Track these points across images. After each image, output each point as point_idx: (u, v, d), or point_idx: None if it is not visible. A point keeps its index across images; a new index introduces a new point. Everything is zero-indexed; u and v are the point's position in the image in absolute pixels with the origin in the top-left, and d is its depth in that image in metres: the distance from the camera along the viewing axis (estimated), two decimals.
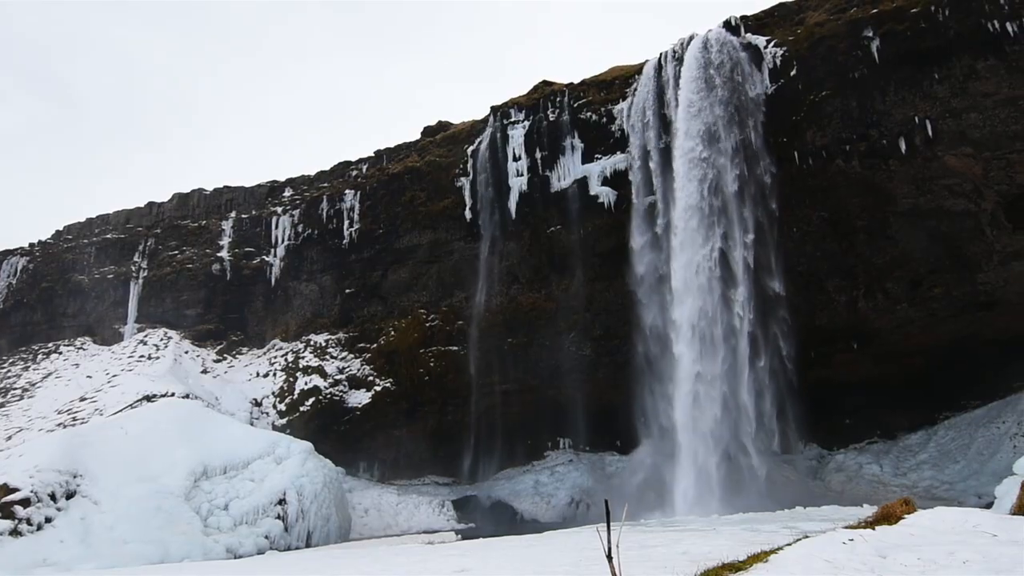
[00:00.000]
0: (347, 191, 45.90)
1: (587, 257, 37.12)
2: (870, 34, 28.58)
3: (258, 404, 39.83)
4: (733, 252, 31.06)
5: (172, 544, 22.36)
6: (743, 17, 34.21)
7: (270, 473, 27.13)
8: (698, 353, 30.41)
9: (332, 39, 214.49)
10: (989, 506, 14.88)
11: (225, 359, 45.43)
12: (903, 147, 28.03)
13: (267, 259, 47.95)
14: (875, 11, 29.02)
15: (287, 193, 50.53)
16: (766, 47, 32.01)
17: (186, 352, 44.80)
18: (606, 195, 35.93)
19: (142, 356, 43.76)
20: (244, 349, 46.76)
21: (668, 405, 31.47)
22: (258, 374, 42.85)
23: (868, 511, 16.12)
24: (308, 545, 26.18)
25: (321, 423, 38.76)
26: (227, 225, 50.11)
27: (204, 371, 43.32)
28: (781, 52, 31.37)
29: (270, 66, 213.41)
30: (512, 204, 38.74)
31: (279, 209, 49.10)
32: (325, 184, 48.89)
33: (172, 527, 22.97)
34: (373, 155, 48.46)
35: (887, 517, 9.36)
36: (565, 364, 38.74)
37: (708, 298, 30.80)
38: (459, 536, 27.96)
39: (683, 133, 32.45)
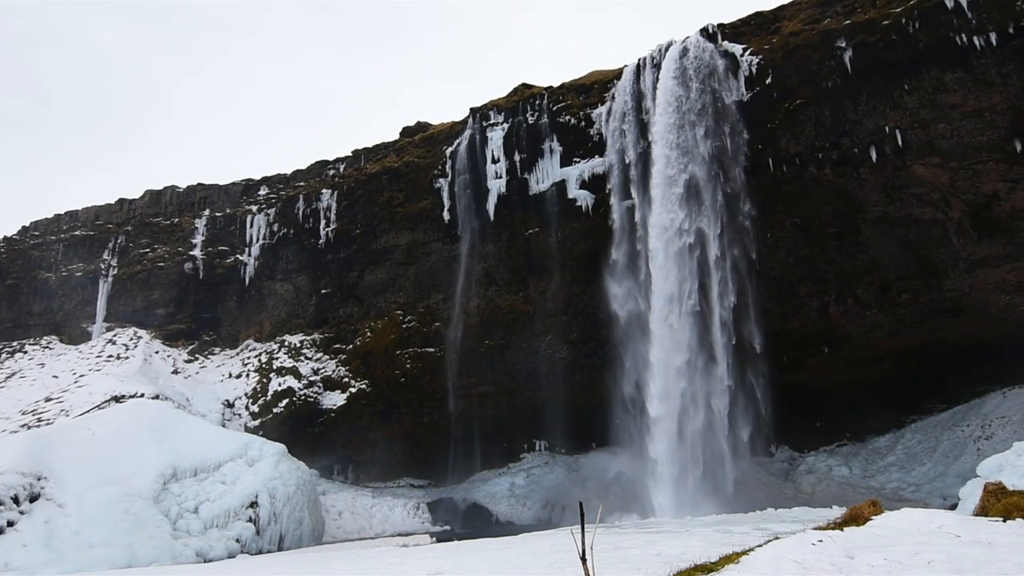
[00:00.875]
0: (324, 190, 45.51)
1: (565, 260, 37.28)
2: (843, 45, 29.15)
3: (230, 405, 39.24)
4: (709, 255, 31.44)
5: (140, 548, 21.91)
6: (720, 25, 34.67)
7: (242, 475, 26.74)
8: (673, 356, 30.73)
9: (310, 38, 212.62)
10: (954, 507, 15.25)
11: (197, 359, 44.70)
12: (874, 156, 28.63)
13: (241, 258, 47.32)
14: (848, 22, 29.62)
15: (263, 191, 49.93)
16: (742, 55, 32.48)
17: (156, 352, 43.99)
18: (584, 199, 36.13)
19: (111, 356, 42.85)
20: (216, 349, 46.07)
21: (643, 408, 31.73)
22: (231, 375, 42.23)
23: (837, 512, 16.42)
24: (280, 548, 25.86)
25: (295, 425, 38.33)
26: (200, 223, 49.34)
27: (175, 371, 42.56)
28: (757, 60, 31.85)
29: (247, 65, 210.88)
30: (490, 206, 38.76)
31: (254, 208, 48.48)
32: (302, 183, 48.41)
33: (140, 530, 22.51)
34: (351, 154, 48.12)
35: (855, 518, 9.55)
36: (542, 366, 38.84)
37: (684, 301, 31.13)
38: (434, 538, 27.86)
39: (661, 138, 32.78)
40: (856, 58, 28.67)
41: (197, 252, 48.04)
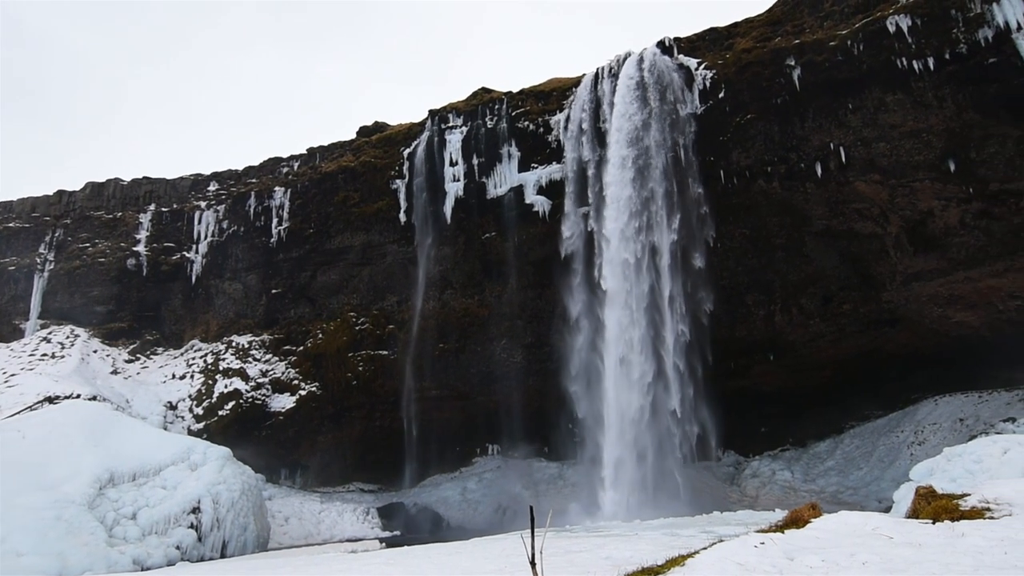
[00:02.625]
0: (277, 188, 44.54)
1: (521, 265, 37.42)
2: (792, 63, 30.21)
3: (173, 407, 37.91)
4: (662, 263, 32.07)
5: (72, 556, 20.91)
6: (676, 39, 35.49)
7: (184, 480, 25.85)
8: (625, 362, 31.19)
9: (267, 36, 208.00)
10: (888, 510, 15.88)
11: (138, 359, 43.05)
12: (819, 171, 29.73)
13: (188, 255, 45.86)
14: (797, 42, 30.70)
15: (212, 187, 48.53)
16: (697, 69, 33.31)
17: (95, 351, 42.18)
18: (541, 204, 36.37)
19: (45, 354, 40.86)
20: (160, 349, 44.47)
21: (595, 414, 32.09)
22: (174, 376, 40.82)
23: (779, 515, 16.90)
24: (223, 555, 25.09)
25: (241, 428, 37.29)
26: (145, 218, 47.62)
27: (114, 372, 40.89)
28: (711, 75, 32.71)
29: (202, 61, 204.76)
30: (447, 209, 38.62)
31: (203, 204, 47.08)
32: (254, 180, 47.26)
33: (73, 538, 21.49)
34: (306, 152, 47.26)
35: (795, 521, 9.87)
36: (496, 371, 38.85)
37: (635, 308, 31.65)
38: (383, 544, 27.49)
39: (617, 147, 33.32)
40: (804, 76, 29.74)
41: (141, 248, 46.33)
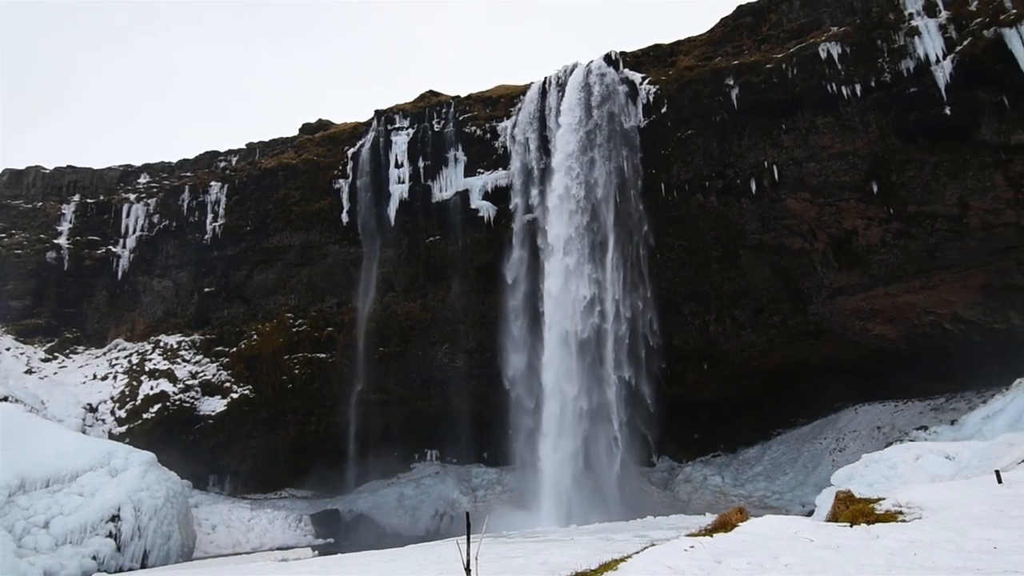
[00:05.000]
0: (213, 183, 42.98)
1: (465, 269, 37.33)
2: (731, 83, 31.37)
3: (93, 410, 35.92)
4: (605, 273, 32.62)
5: None
6: (622, 53, 36.29)
7: (103, 487, 24.54)
8: (564, 370, 31.53)
9: (207, 31, 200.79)
10: (811, 514, 16.61)
11: (56, 358, 40.59)
12: (753, 188, 30.95)
13: (114, 250, 43.67)
14: (736, 62, 31.92)
15: (143, 179, 46.42)
16: (641, 83, 34.15)
17: (7, 349, 39.54)
18: (486, 209, 36.42)
19: None
20: (80, 348, 42.06)
21: (534, 419, 32.29)
22: (95, 376, 38.68)
23: (709, 520, 17.42)
24: (144, 566, 23.93)
25: (167, 432, 35.63)
26: (68, 209, 45.07)
27: (29, 371, 38.42)
28: (654, 90, 33.60)
29: (130, 50, 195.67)
30: (391, 211, 38.18)
31: (132, 196, 44.96)
32: (188, 173, 45.48)
33: None
34: (245, 147, 45.84)
35: (724, 525, 10.19)
36: (437, 375, 38.57)
37: (577, 315, 32.07)
38: (316, 552, 26.81)
39: (562, 156, 33.75)
40: (742, 96, 30.92)
41: (63, 241, 43.81)
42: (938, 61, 26.45)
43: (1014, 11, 24.86)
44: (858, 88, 28.06)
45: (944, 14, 27.02)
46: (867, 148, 28.30)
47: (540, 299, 33.43)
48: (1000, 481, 10.69)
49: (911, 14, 27.73)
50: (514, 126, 37.05)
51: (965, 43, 25.81)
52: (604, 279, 32.55)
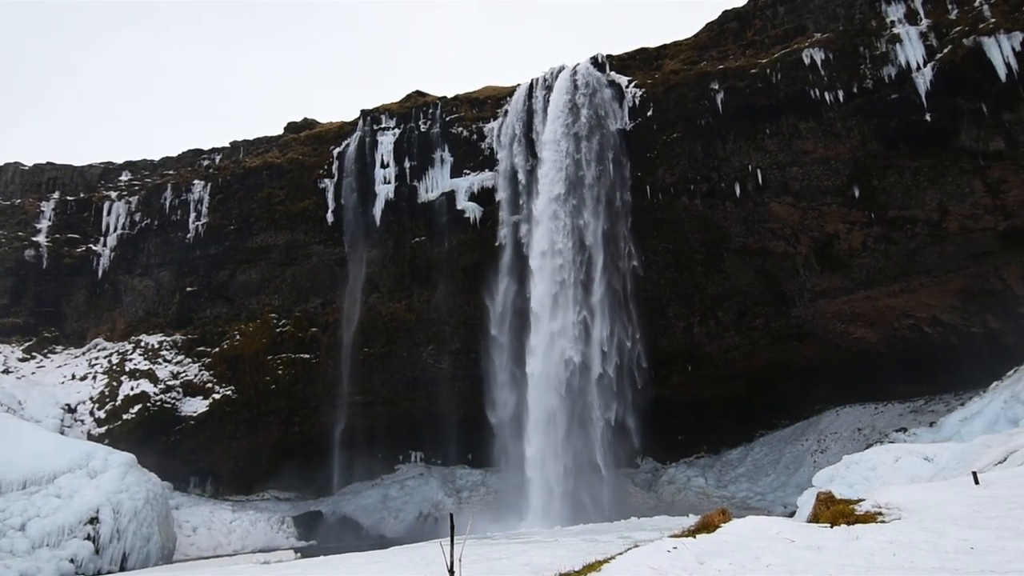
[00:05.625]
0: (196, 181, 42.52)
1: (451, 270, 37.26)
2: (716, 87, 31.62)
3: (72, 411, 35.37)
4: (592, 275, 32.74)
5: None
6: (609, 56, 36.46)
7: (81, 488, 24.17)
8: (551, 371, 31.56)
9: (193, 27, 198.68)
10: (792, 515, 16.75)
11: (34, 358, 39.92)
12: (738, 191, 31.22)
13: (95, 248, 43.06)
14: (721, 67, 32.18)
15: (124, 177, 45.82)
16: (627, 86, 34.32)
17: None
18: (472, 211, 36.39)
19: None
20: (59, 348, 41.39)
21: (519, 420, 32.28)
22: (74, 376, 38.10)
23: (692, 520, 17.52)
24: (123, 568, 23.62)
25: (147, 433, 35.17)
26: (47, 206, 44.38)
27: (6, 371, 37.76)
28: (640, 93, 33.78)
29: (115, 47, 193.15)
30: (377, 211, 38.01)
31: (113, 194, 44.36)
32: (171, 171, 44.97)
33: None
34: (228, 146, 45.41)
35: (706, 526, 10.24)
36: (422, 376, 38.45)
37: (564, 316, 32.13)
38: (299, 554, 26.61)
39: (549, 158, 33.82)
40: (727, 100, 31.17)
41: (41, 238, 43.12)
42: (919, 68, 26.84)
43: (993, 20, 25.31)
44: (841, 94, 28.40)
45: (925, 22, 27.43)
46: (849, 153, 28.66)
47: (527, 299, 33.43)
48: (977, 482, 10.85)
49: (893, 22, 28.12)
50: (501, 127, 37.07)
51: (945, 51, 26.23)
52: (591, 280, 32.66)
